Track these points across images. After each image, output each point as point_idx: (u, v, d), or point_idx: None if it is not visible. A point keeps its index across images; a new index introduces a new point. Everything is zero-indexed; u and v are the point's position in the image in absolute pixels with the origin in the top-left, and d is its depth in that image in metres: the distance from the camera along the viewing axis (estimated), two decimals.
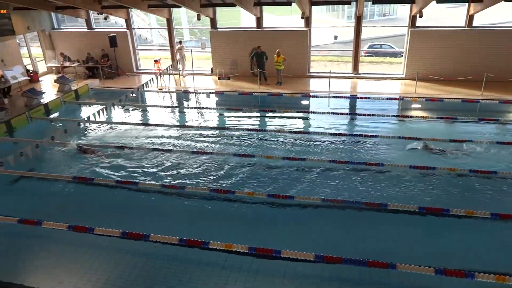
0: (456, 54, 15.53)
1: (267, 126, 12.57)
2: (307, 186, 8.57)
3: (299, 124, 12.82)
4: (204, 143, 11.06)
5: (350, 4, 16.33)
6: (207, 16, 16.99)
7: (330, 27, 26.96)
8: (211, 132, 11.83)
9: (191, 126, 12.47)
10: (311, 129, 12.11)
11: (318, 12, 30.36)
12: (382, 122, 12.25)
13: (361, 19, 16.26)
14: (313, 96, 14.80)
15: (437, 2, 14.04)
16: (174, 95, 16.33)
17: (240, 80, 16.81)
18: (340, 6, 28.68)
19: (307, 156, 9.87)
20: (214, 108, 14.56)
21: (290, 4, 15.65)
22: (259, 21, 17.00)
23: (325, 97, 14.67)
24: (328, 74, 15.52)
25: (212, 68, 18.04)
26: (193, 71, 17.48)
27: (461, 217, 7.20)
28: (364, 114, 12.74)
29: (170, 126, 12.45)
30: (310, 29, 16.76)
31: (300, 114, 13.41)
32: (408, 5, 15.69)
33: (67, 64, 18.52)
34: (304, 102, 14.80)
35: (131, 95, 13.01)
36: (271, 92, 15.08)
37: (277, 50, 15.78)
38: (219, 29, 17.62)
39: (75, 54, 18.77)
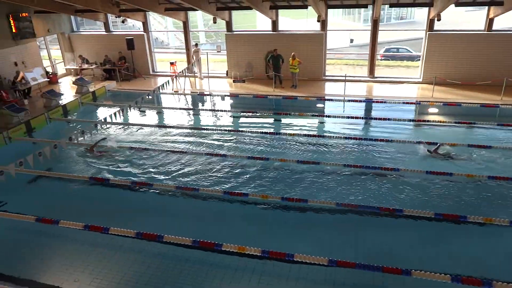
0: (475, 58, 15.26)
1: (282, 129, 12.55)
2: (321, 190, 8.52)
3: (313, 127, 12.76)
4: (218, 145, 11.12)
5: (366, 7, 16.19)
6: (223, 19, 17.10)
7: (346, 30, 26.83)
8: (225, 134, 11.87)
9: (206, 128, 12.54)
10: (325, 133, 12.04)
11: (334, 15, 30.20)
12: (398, 126, 12.10)
13: (377, 22, 16.13)
14: (328, 100, 14.72)
15: (455, 6, 13.84)
16: (189, 98, 16.45)
17: (255, 83, 16.84)
18: (356, 9, 28.46)
19: (322, 159, 9.82)
20: (228, 111, 14.62)
21: (306, 8, 15.63)
22: (274, 24, 17.02)
23: (340, 100, 14.58)
24: (343, 78, 15.42)
25: (227, 71, 18.12)
26: (208, 73, 17.58)
27: (480, 224, 7.06)
28: (379, 118, 12.61)
29: (185, 128, 12.55)
30: (326, 32, 16.70)
31: (315, 118, 13.35)
32: (426, 9, 15.51)
33: (85, 66, 18.85)
34: (319, 105, 14.73)
35: (147, 97, 13.16)
36: (286, 95, 15.06)
37: (292, 53, 15.77)
38: (234, 32, 17.70)
39: (93, 56, 19.10)
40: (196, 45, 18.11)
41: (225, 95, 15.93)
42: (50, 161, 9.53)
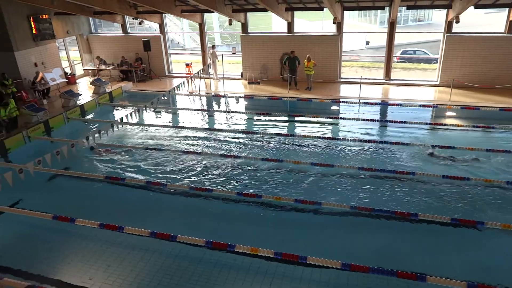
0: (494, 61, 14.95)
1: (296, 131, 12.53)
2: (334, 192, 8.47)
3: (328, 129, 12.69)
4: (232, 146, 11.16)
5: (383, 9, 16.05)
6: (238, 21, 17.16)
7: (362, 33, 26.63)
8: (240, 135, 11.90)
9: (220, 129, 12.60)
10: (340, 135, 11.96)
11: (350, 17, 30.10)
12: (414, 129, 11.94)
13: (394, 24, 15.97)
14: (343, 102, 14.62)
15: (475, 8, 13.59)
16: (204, 99, 16.55)
17: (270, 85, 16.84)
18: (373, 11, 28.27)
19: (336, 162, 9.76)
20: (243, 112, 14.65)
21: (322, 10, 15.58)
22: (290, 26, 17.01)
23: (355, 103, 14.47)
24: (359, 80, 15.31)
25: (242, 73, 18.18)
26: (223, 75, 17.67)
27: (497, 230, 6.92)
28: (395, 121, 12.46)
29: (199, 129, 12.63)
30: (341, 34, 16.60)
31: (330, 120, 13.27)
32: (444, 10, 15.29)
33: (103, 67, 19.15)
34: (334, 107, 14.65)
35: (162, 98, 13.29)
36: (301, 97, 15.02)
37: (307, 55, 15.73)
38: (250, 34, 17.75)
39: (111, 57, 19.39)
40: (213, 46, 18.20)
41: (240, 97, 15.97)
42: (68, 160, 9.69)
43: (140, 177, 9.43)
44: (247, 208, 8.12)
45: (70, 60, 19.39)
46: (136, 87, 17.66)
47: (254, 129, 12.73)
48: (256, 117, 13.88)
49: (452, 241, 6.93)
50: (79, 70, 19.80)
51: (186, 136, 12.01)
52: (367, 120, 12.80)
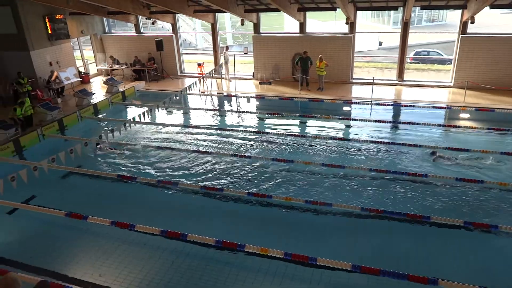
0: (510, 62, 14.69)
1: (307, 132, 12.48)
2: (346, 194, 8.41)
3: (339, 130, 12.61)
4: (243, 146, 11.17)
5: (397, 9, 15.89)
6: (250, 21, 17.18)
7: (375, 33, 26.40)
8: (251, 135, 11.90)
9: (231, 129, 12.63)
10: (351, 136, 11.88)
11: (363, 18, 29.85)
12: (427, 131, 11.80)
13: (408, 25, 15.80)
14: (355, 103, 14.53)
15: (490, 8, 13.38)
16: (215, 99, 16.61)
17: (281, 85, 16.81)
18: (386, 11, 28.01)
19: (347, 163, 9.70)
20: (254, 112, 14.66)
21: (335, 10, 15.49)
22: (302, 26, 16.96)
23: (367, 104, 14.37)
24: (371, 81, 15.19)
25: (253, 73, 18.19)
26: (235, 75, 17.70)
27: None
28: (407, 123, 12.34)
29: (211, 129, 12.68)
30: (354, 35, 16.50)
31: (341, 121, 13.19)
32: (459, 11, 15.08)
33: (116, 66, 19.35)
34: (345, 108, 14.57)
35: (174, 97, 13.38)
36: (312, 98, 14.97)
37: (319, 56, 15.66)
38: (262, 34, 17.75)
39: (124, 57, 19.59)
40: (227, 48, 18.21)
41: (251, 97, 15.98)
42: (81, 158, 9.82)
43: (151, 175, 9.50)
44: (257, 208, 8.12)
45: (84, 60, 19.64)
46: (148, 87, 17.81)
47: (265, 129, 12.73)
48: (267, 117, 13.87)
49: (464, 245, 6.84)
50: (92, 69, 20.05)
51: (198, 136, 12.06)
52: (379, 121, 12.66)
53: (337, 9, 15.07)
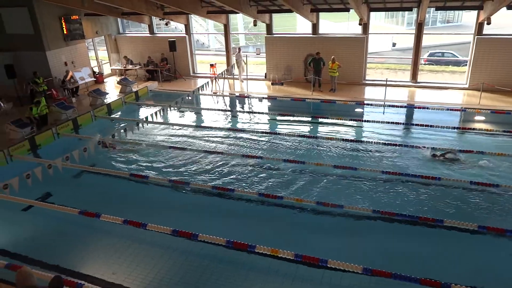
0: None
1: (319, 133, 12.43)
2: (358, 196, 8.35)
3: (351, 132, 12.53)
4: (254, 147, 11.17)
5: (411, 10, 15.72)
6: (263, 22, 17.18)
7: (388, 34, 26.17)
8: (262, 136, 11.90)
9: (243, 130, 12.64)
10: (364, 138, 11.78)
11: (376, 19, 29.62)
12: (440, 133, 11.64)
13: (422, 25, 15.62)
14: (368, 105, 14.40)
15: (507, 9, 13.13)
16: (227, 99, 16.65)
17: (293, 86, 16.77)
18: (400, 12, 27.75)
19: (359, 165, 9.62)
20: (266, 113, 14.65)
21: (348, 10, 15.39)
22: (315, 27, 16.90)
23: (380, 105, 14.23)
24: (384, 82, 15.05)
25: (266, 73, 18.18)
26: (247, 76, 17.72)
27: None
28: (420, 125, 12.18)
29: (222, 129, 12.71)
30: (367, 36, 16.38)
31: (353, 122, 13.10)
32: (475, 12, 14.85)
33: (130, 67, 19.55)
34: (358, 110, 14.45)
35: (187, 97, 13.46)
36: (324, 99, 14.90)
37: (332, 57, 15.59)
38: (274, 35, 17.74)
39: (137, 57, 19.77)
40: (239, 49, 18.26)
41: (263, 98, 15.98)
42: (94, 157, 9.94)
43: (163, 175, 9.57)
44: (268, 208, 8.12)
45: (98, 60, 19.88)
46: (161, 87, 17.94)
47: (277, 130, 12.71)
48: (279, 118, 13.84)
49: (478, 249, 6.73)
50: (106, 69, 20.28)
51: (209, 136, 12.11)
52: (392, 123, 12.51)
53: (350, 9, 14.99)
